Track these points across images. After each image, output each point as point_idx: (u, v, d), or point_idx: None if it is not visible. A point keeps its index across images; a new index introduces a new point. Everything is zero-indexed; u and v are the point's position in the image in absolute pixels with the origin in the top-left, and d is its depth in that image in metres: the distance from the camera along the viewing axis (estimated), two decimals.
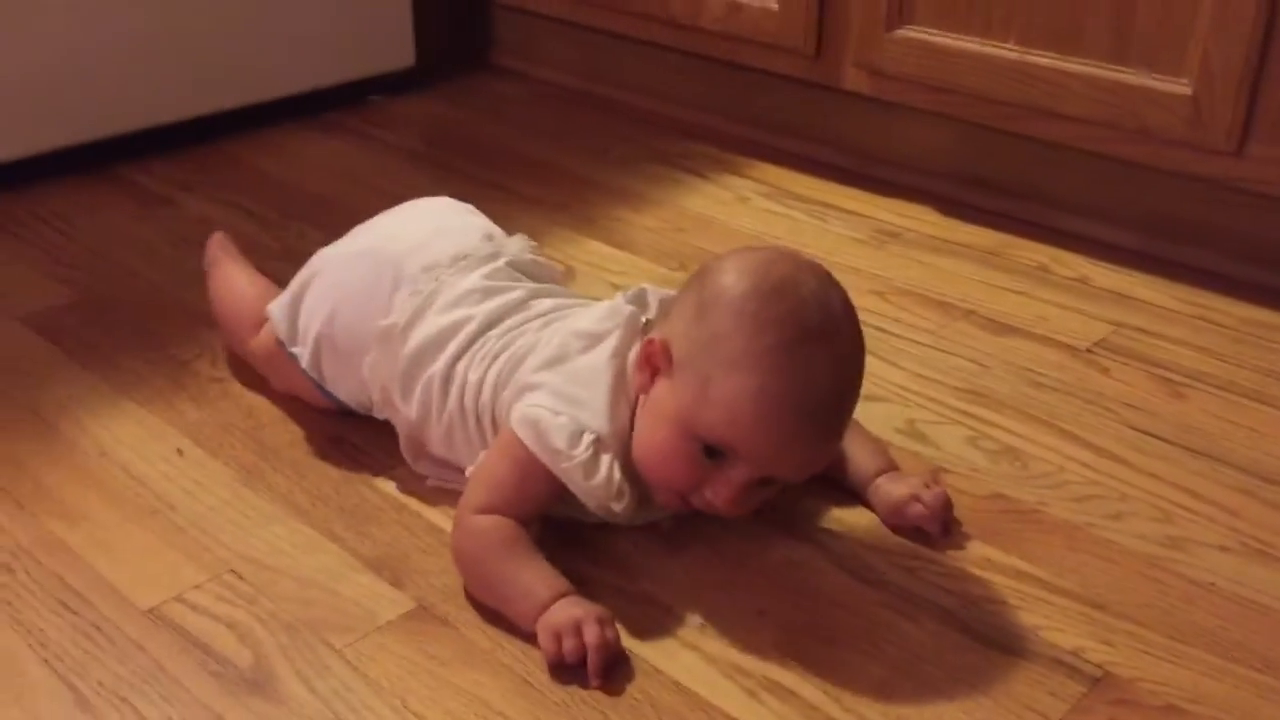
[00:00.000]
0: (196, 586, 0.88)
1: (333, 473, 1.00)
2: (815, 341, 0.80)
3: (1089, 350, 1.19)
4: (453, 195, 1.26)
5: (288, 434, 1.05)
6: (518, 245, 1.01)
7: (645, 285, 0.93)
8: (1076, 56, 1.29)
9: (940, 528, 0.92)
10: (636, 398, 0.87)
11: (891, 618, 0.85)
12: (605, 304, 0.92)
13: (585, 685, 0.79)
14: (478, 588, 0.85)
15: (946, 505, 0.93)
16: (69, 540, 0.92)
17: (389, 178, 1.57)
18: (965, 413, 1.09)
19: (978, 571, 0.90)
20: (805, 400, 0.80)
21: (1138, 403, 1.10)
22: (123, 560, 0.90)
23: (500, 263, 0.98)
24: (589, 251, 1.37)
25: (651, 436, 0.84)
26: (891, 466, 0.96)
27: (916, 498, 0.92)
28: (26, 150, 1.50)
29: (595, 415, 0.85)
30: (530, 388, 0.87)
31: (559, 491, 0.86)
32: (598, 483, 0.84)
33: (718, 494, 0.83)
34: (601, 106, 1.83)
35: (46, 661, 0.81)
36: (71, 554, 0.91)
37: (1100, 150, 1.32)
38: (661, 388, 0.84)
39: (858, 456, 0.96)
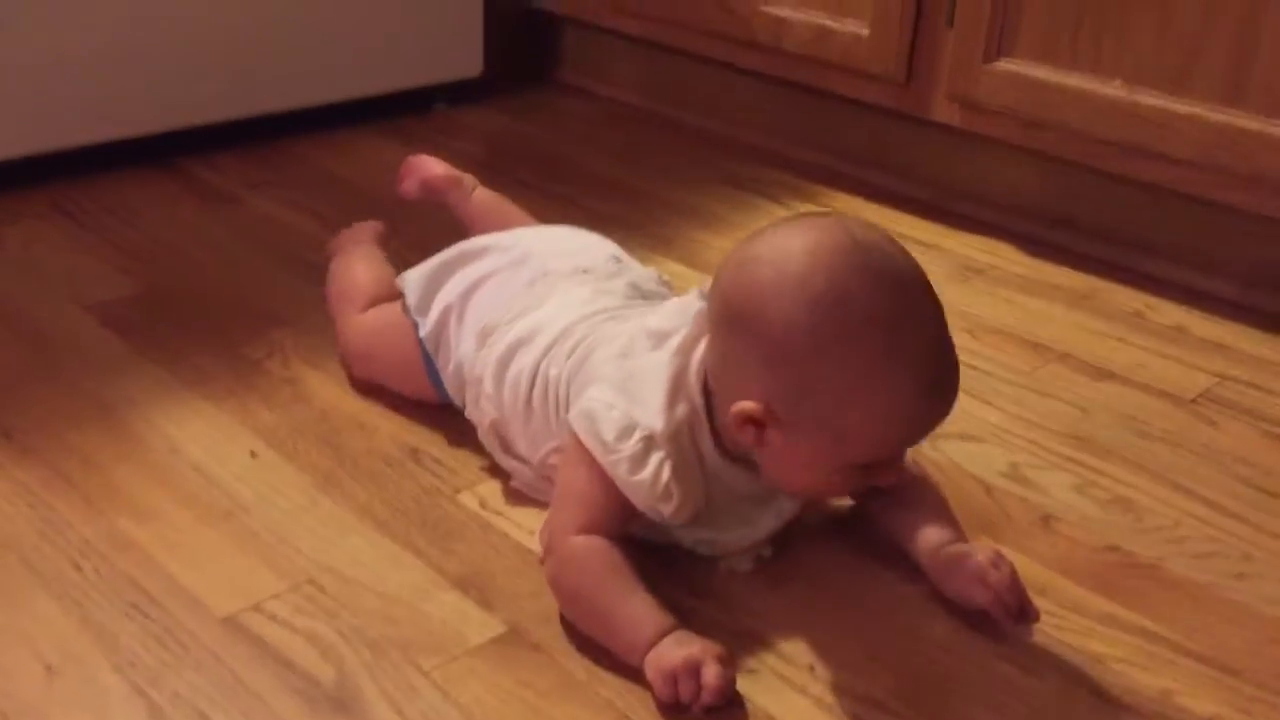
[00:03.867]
0: (275, 596, 0.83)
1: (411, 485, 0.96)
2: (905, 322, 0.75)
3: (1194, 401, 1.14)
4: (522, 207, 1.24)
5: (364, 442, 1.01)
6: (643, 272, 1.01)
7: None
8: (1187, 97, 1.25)
9: (1012, 617, 0.81)
10: (705, 397, 0.82)
11: (1011, 671, 0.80)
12: (677, 300, 0.88)
13: None
14: (579, 618, 0.81)
15: (1018, 589, 0.81)
16: (139, 540, 0.88)
17: None
18: (1070, 459, 1.04)
19: (1100, 627, 0.85)
20: (929, 382, 0.77)
21: (1250, 458, 1.05)
22: (196, 564, 0.86)
23: (619, 281, 0.96)
24: (669, 272, 1.32)
25: (800, 479, 0.83)
26: (954, 534, 0.87)
27: (984, 582, 0.81)
28: (92, 138, 1.47)
29: (649, 413, 0.81)
30: (592, 381, 0.84)
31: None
32: (643, 478, 0.80)
33: (885, 480, 0.82)
34: (670, 127, 1.79)
35: (119, 668, 0.76)
36: (143, 554, 0.86)
37: (1204, 195, 1.28)
38: (779, 439, 0.78)
39: (920, 525, 0.87)
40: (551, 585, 0.82)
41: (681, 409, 0.82)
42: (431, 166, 1.23)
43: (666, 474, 0.80)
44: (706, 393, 0.82)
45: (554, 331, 0.91)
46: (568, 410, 0.87)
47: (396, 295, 1.03)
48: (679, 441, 0.82)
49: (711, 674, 0.73)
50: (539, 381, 0.90)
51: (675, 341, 0.84)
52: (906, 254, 0.78)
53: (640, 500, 0.81)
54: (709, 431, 0.83)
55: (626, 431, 0.80)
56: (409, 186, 1.22)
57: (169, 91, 1.50)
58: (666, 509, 0.81)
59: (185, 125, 1.54)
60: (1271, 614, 0.87)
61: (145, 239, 1.34)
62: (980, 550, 0.84)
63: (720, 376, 0.81)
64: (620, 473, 0.80)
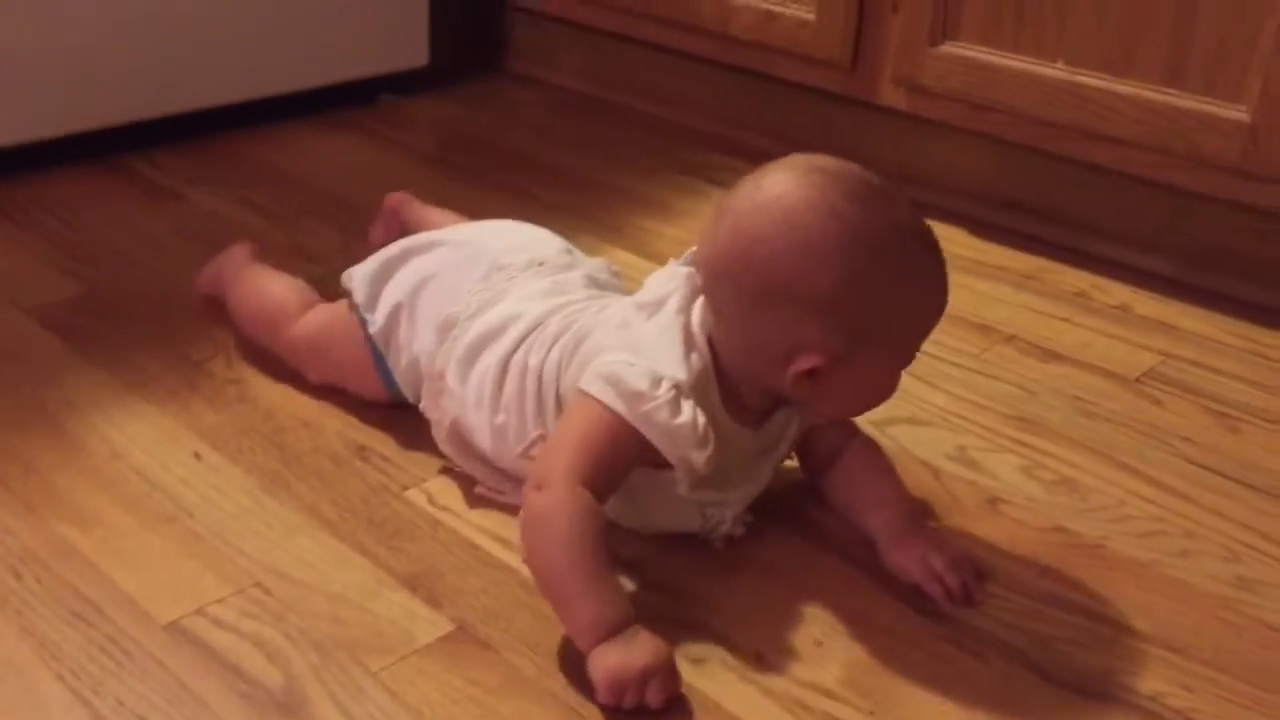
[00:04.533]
0: (219, 600, 0.82)
1: (358, 483, 0.95)
2: (898, 215, 0.80)
3: (1138, 380, 1.15)
4: (471, 198, 1.24)
5: (310, 441, 1.00)
6: (595, 264, 1.01)
7: (695, 246, 0.89)
8: (1129, 78, 1.26)
9: (951, 599, 0.84)
10: (712, 351, 0.83)
11: (957, 654, 0.81)
12: (658, 273, 0.89)
13: (638, 712, 0.74)
14: (542, 570, 0.78)
15: (958, 573, 0.85)
16: (81, 546, 0.86)
17: (402, 177, 1.51)
18: (1017, 440, 1.05)
19: (1044, 608, 0.85)
20: (933, 248, 0.82)
21: (1194, 436, 1.07)
22: (139, 569, 0.85)
23: (575, 274, 0.97)
24: (618, 261, 1.32)
25: (861, 404, 0.87)
26: (904, 509, 0.89)
27: (926, 561, 0.85)
28: (29, 136, 1.44)
29: (671, 365, 0.81)
30: (597, 351, 0.84)
31: (644, 453, 0.81)
32: (682, 422, 0.79)
33: None
34: (621, 115, 1.79)
35: (61, 677, 0.75)
36: (85, 561, 0.85)
37: (1147, 175, 1.29)
38: (836, 376, 0.81)
39: (869, 496, 0.90)
40: (534, 518, 0.78)
41: (696, 361, 0.82)
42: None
43: (703, 419, 0.80)
44: (712, 350, 0.84)
45: (525, 323, 0.91)
46: (557, 397, 0.87)
47: (322, 300, 1.02)
48: (696, 393, 0.82)
49: (654, 692, 0.74)
50: (513, 372, 0.90)
51: (674, 304, 0.84)
52: (855, 165, 0.83)
53: (678, 447, 0.80)
54: (717, 387, 0.84)
55: (656, 382, 0.80)
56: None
57: (108, 87, 1.48)
58: (702, 455, 0.81)
59: (125, 121, 1.51)
60: (1214, 591, 0.88)
61: (85, 238, 1.32)
62: (928, 530, 0.86)
63: (757, 352, 0.82)
64: (661, 419, 0.79)
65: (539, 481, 0.79)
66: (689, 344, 0.83)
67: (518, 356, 0.90)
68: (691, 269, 0.86)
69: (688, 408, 0.80)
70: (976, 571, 0.87)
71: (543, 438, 0.88)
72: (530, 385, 0.89)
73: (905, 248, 0.81)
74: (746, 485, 0.89)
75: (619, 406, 0.80)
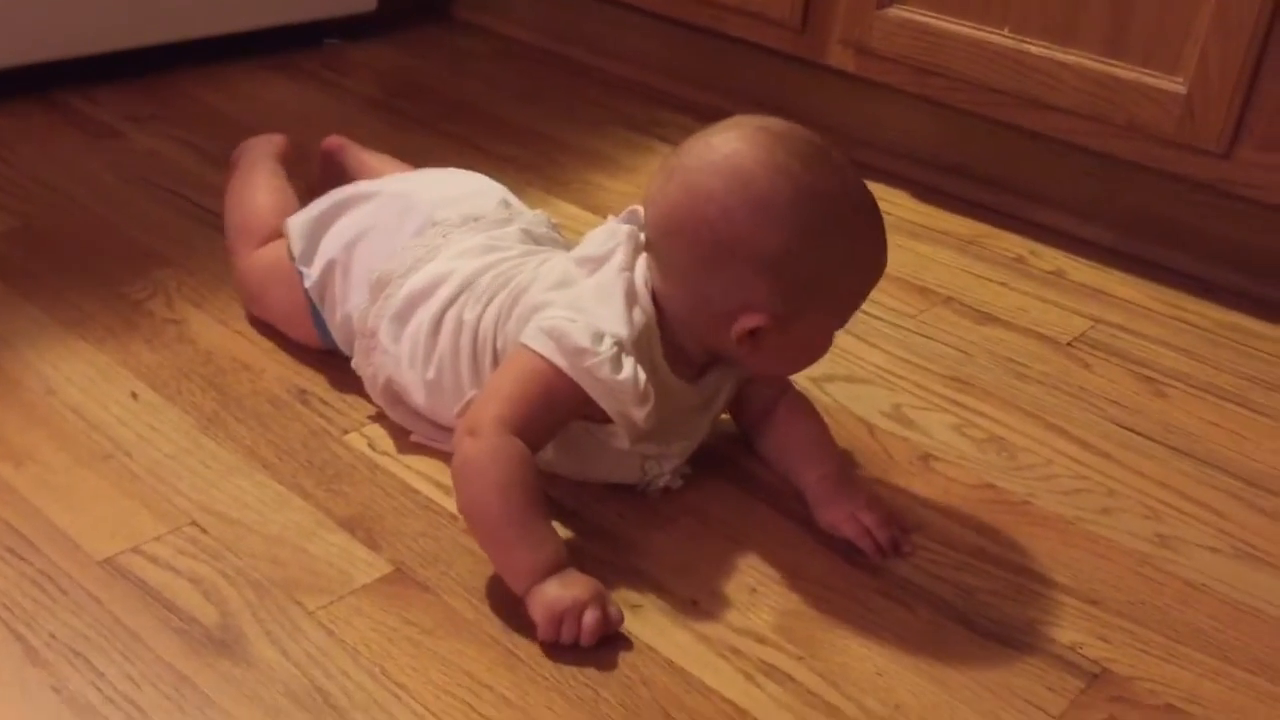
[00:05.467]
0: (156, 538, 0.82)
1: (298, 426, 0.95)
2: (842, 179, 0.82)
3: (1070, 344, 1.18)
4: (416, 146, 1.23)
5: (249, 383, 0.99)
6: (533, 217, 1.00)
7: (636, 206, 0.89)
8: (1072, 47, 1.28)
9: (880, 552, 0.86)
10: (654, 307, 0.84)
11: (886, 604, 0.83)
12: (599, 229, 0.89)
13: (576, 661, 0.75)
14: (475, 517, 0.79)
15: (886, 528, 0.87)
16: (15, 483, 0.86)
17: (345, 122, 1.49)
18: (951, 400, 1.07)
19: (971, 561, 0.88)
20: (874, 213, 0.85)
21: (1121, 399, 1.09)
22: (75, 506, 0.84)
23: (511, 228, 0.96)
24: (562, 214, 1.33)
25: (797, 363, 0.89)
26: (835, 467, 0.91)
27: (855, 518, 0.87)
28: None
29: (613, 322, 0.82)
30: (540, 306, 0.84)
31: (579, 407, 0.82)
32: (624, 378, 0.80)
33: None
34: (569, 68, 1.78)
35: None
36: (18, 497, 0.84)
37: (1086, 144, 1.32)
38: (776, 336, 0.83)
39: (801, 453, 0.92)
40: (466, 465, 0.79)
41: (638, 317, 0.83)
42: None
43: (643, 375, 0.81)
44: (655, 306, 0.84)
45: (457, 281, 0.90)
46: (493, 353, 0.87)
47: (284, 223, 1.01)
48: (639, 348, 0.83)
49: (590, 619, 0.75)
50: (447, 328, 0.89)
51: (617, 260, 0.85)
52: (800, 126, 0.84)
53: (619, 403, 0.81)
54: (660, 344, 0.85)
55: (598, 338, 0.80)
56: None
57: (46, 20, 1.44)
58: (642, 411, 0.82)
59: (64, 56, 1.48)
60: (1132, 547, 0.91)
61: (21, 175, 1.30)
62: (858, 487, 0.87)
63: (701, 309, 0.83)
64: (604, 374, 0.80)
65: (471, 428, 0.80)
66: (631, 300, 0.83)
67: (451, 313, 0.89)
68: (633, 227, 0.87)
69: (629, 364, 0.81)
70: (902, 526, 0.89)
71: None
72: (465, 341, 0.89)
73: (850, 210, 0.82)
74: (686, 439, 0.90)
75: (560, 361, 0.80)
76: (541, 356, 0.81)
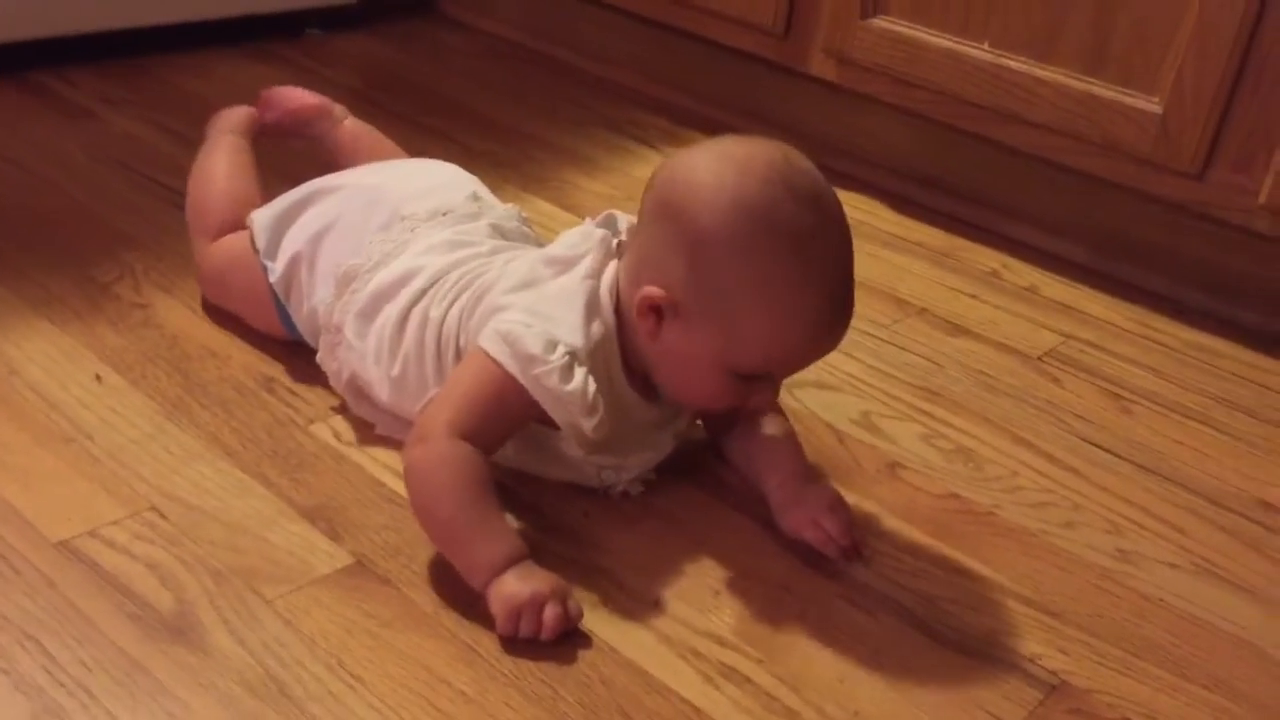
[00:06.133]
0: (114, 522, 0.81)
1: (263, 415, 0.94)
2: (814, 242, 0.79)
3: (1040, 359, 1.19)
4: (395, 140, 1.21)
5: (215, 370, 0.99)
6: (503, 211, 0.99)
7: (613, 210, 0.89)
8: (1050, 64, 1.29)
9: (843, 555, 0.86)
10: (616, 321, 0.84)
11: (848, 610, 0.83)
12: (574, 230, 0.89)
13: (535, 657, 0.75)
14: (428, 518, 0.79)
15: (848, 534, 0.86)
16: None
17: None
18: (920, 410, 1.07)
19: (934, 570, 0.88)
20: (824, 300, 0.80)
21: (1088, 415, 1.10)
22: (31, 487, 0.83)
23: (480, 223, 0.95)
24: (538, 211, 1.32)
25: (681, 375, 0.84)
26: (798, 473, 0.90)
27: (817, 523, 0.85)
28: None
29: (569, 331, 0.81)
30: (500, 309, 0.84)
31: (530, 413, 0.82)
32: (572, 389, 0.80)
33: (759, 404, 0.86)
34: (550, 66, 1.78)
35: None
36: None
37: (1061, 161, 1.32)
38: (674, 332, 0.81)
39: (766, 458, 0.91)
40: (414, 473, 0.79)
41: (597, 329, 0.83)
42: (297, 96, 1.19)
43: (593, 387, 0.81)
44: (618, 318, 0.84)
45: (425, 277, 0.90)
46: (456, 351, 0.86)
47: (249, 217, 1.00)
48: (594, 360, 0.82)
49: (550, 614, 0.74)
50: (412, 325, 0.89)
51: (584, 266, 0.84)
52: (833, 191, 0.82)
53: (566, 413, 0.81)
54: (619, 356, 0.84)
55: (550, 346, 0.80)
56: (271, 118, 1.17)
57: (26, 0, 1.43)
58: (590, 423, 0.81)
59: (40, 36, 1.47)
60: (1094, 561, 0.91)
61: None
62: (820, 492, 0.87)
63: (636, 268, 0.82)
64: (552, 383, 0.79)
65: (420, 435, 0.80)
66: (593, 310, 0.83)
67: (418, 309, 0.89)
68: (607, 232, 0.86)
69: (579, 375, 0.80)
70: (862, 532, 0.89)
71: None
72: (430, 338, 0.88)
73: (799, 261, 0.78)
74: (645, 452, 0.89)
75: (512, 367, 0.80)
76: (495, 361, 0.81)
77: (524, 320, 0.81)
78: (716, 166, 0.79)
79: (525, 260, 0.88)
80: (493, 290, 0.86)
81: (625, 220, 0.88)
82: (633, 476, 0.89)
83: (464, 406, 0.80)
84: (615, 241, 0.86)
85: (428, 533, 0.80)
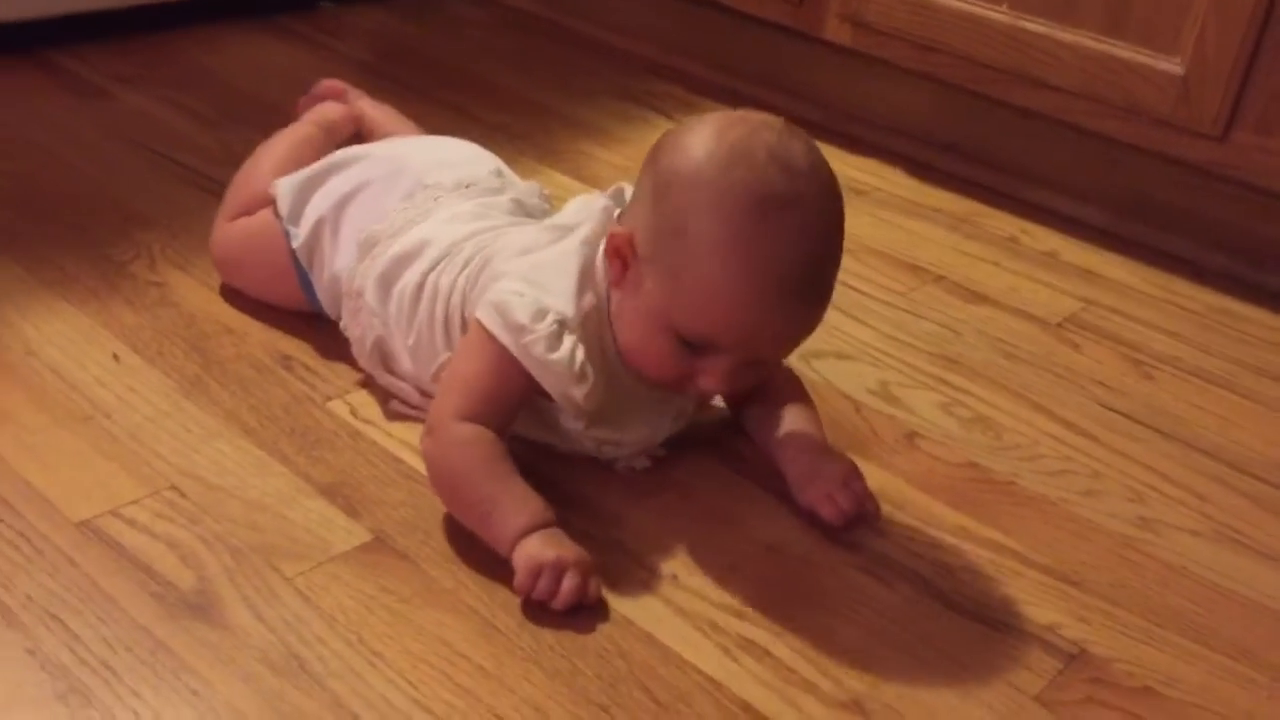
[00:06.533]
0: (134, 501, 0.82)
1: (281, 392, 0.94)
2: (778, 209, 0.75)
3: (1059, 325, 1.18)
4: (409, 113, 1.22)
5: (233, 348, 0.99)
6: (526, 187, 1.00)
7: (623, 184, 0.89)
8: (1070, 25, 1.27)
9: (848, 523, 0.85)
10: (608, 291, 0.83)
11: (865, 581, 0.83)
12: (579, 198, 0.89)
13: (554, 631, 0.75)
14: (453, 501, 0.81)
15: (860, 508, 0.85)
16: None
17: None
18: (938, 378, 1.07)
19: (952, 540, 0.88)
20: (775, 277, 0.76)
21: (1108, 381, 1.09)
22: (51, 468, 0.84)
23: (503, 198, 0.96)
24: (554, 184, 1.32)
25: (632, 332, 0.82)
26: (814, 446, 0.89)
27: (832, 498, 0.85)
28: None
29: (559, 299, 0.81)
30: (497, 276, 0.84)
31: (531, 384, 0.82)
32: (560, 357, 0.80)
33: (706, 383, 0.82)
34: (565, 38, 1.76)
35: None
36: None
37: (1081, 124, 1.31)
38: (633, 280, 0.81)
39: (784, 431, 0.90)
40: (430, 464, 0.81)
41: (589, 299, 0.82)
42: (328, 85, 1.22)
43: (581, 355, 0.81)
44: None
45: (442, 246, 0.90)
46: (462, 320, 0.87)
47: (273, 184, 1.00)
48: (586, 330, 0.82)
49: (569, 583, 0.75)
50: (426, 294, 0.89)
51: (581, 233, 0.84)
52: (833, 175, 0.79)
53: (555, 381, 0.81)
54: (610, 328, 0.84)
55: (539, 315, 0.80)
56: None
57: None
58: (580, 391, 0.81)
59: (52, 14, 1.46)
60: (1114, 529, 0.91)
61: (7, 133, 1.28)
62: (836, 466, 0.86)
63: (622, 216, 0.83)
64: (538, 352, 0.80)
65: (430, 427, 0.81)
66: (587, 279, 0.83)
67: (431, 278, 0.89)
68: (610, 203, 0.86)
69: (567, 342, 0.80)
70: (877, 504, 0.88)
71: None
72: (439, 309, 0.89)
73: (760, 226, 0.75)
74: (644, 431, 0.89)
75: (504, 338, 0.80)
76: (489, 333, 0.81)
77: (517, 289, 0.81)
78: (707, 123, 0.79)
79: (528, 228, 0.89)
80: (492, 262, 0.86)
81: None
82: (633, 453, 0.89)
83: (467, 390, 0.81)
84: (617, 213, 0.86)
85: (460, 518, 0.81)
